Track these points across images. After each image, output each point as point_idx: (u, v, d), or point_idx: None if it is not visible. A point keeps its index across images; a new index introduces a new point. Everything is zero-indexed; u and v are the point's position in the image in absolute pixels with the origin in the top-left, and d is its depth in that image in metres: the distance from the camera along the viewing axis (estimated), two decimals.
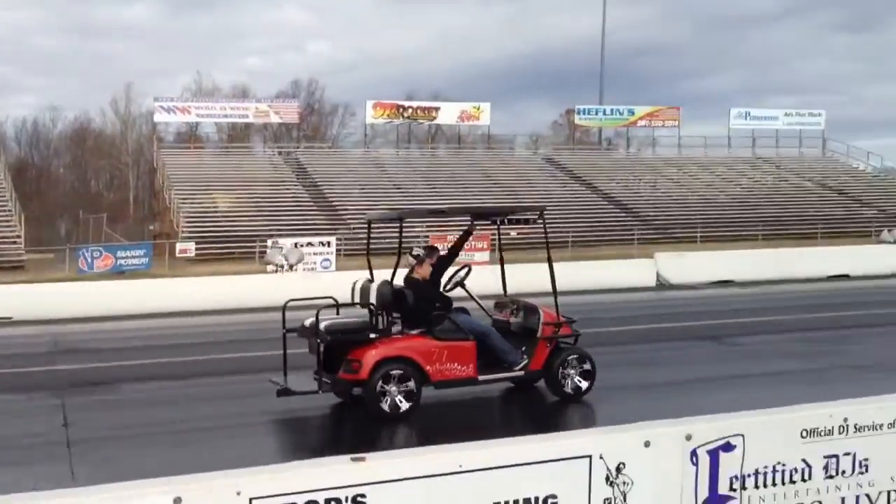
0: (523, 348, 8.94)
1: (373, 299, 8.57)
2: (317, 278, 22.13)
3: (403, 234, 10.08)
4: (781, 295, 20.62)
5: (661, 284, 23.76)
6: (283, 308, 8.73)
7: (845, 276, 24.25)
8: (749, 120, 56.87)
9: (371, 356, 8.22)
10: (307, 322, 8.62)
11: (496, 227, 10.15)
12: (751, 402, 5.01)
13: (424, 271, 8.95)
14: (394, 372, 8.20)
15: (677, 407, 7.39)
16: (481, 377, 8.69)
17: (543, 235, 9.56)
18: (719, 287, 22.95)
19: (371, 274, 9.42)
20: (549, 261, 9.27)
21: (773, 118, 57.49)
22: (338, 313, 8.99)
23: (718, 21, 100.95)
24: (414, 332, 8.61)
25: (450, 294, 9.10)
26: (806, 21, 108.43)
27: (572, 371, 8.97)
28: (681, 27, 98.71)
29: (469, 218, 10.01)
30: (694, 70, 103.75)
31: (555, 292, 9.23)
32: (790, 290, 21.67)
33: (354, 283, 9.20)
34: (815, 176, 53.78)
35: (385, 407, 8.17)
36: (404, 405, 8.21)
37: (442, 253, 9.51)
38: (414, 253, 9.09)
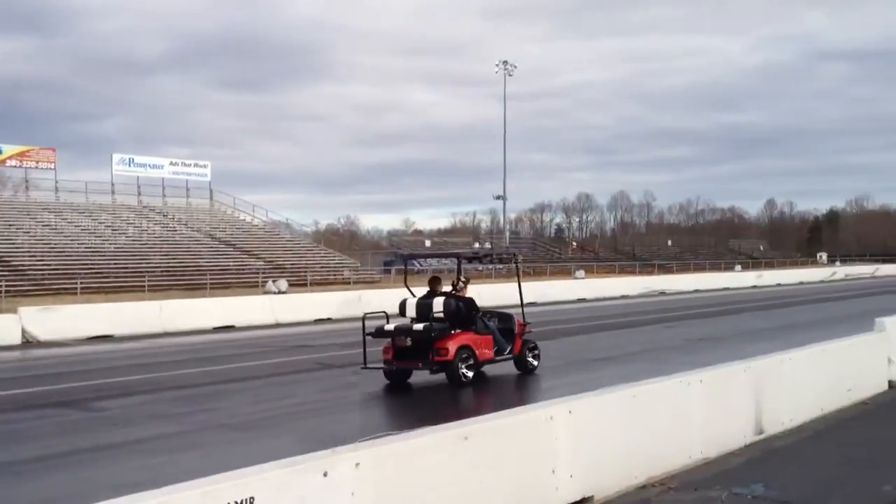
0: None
1: (437, 310, 13.08)
2: None
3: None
4: (161, 349, 19.80)
5: (28, 342, 21.24)
6: (363, 317, 13.45)
7: (231, 328, 24.52)
8: (133, 167, 56.18)
9: (454, 344, 12.86)
10: (385, 327, 13.15)
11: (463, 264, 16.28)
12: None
13: (465, 292, 13.93)
14: (465, 354, 12.92)
15: None
16: (496, 358, 13.66)
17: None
18: (96, 343, 21.29)
19: (411, 292, 13.92)
20: (520, 291, 15.47)
21: (158, 166, 57.61)
22: (387, 321, 13.40)
23: (102, 64, 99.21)
24: (457, 330, 13.21)
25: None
26: (192, 75, 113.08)
27: (530, 354, 14.32)
28: (62, 65, 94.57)
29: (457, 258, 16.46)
30: (80, 112, 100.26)
31: (522, 304, 15.11)
32: (172, 343, 21.05)
33: (406, 300, 13.60)
34: (203, 226, 55.04)
35: (463, 378, 12.84)
36: (469, 375, 12.97)
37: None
38: (462, 281, 14.02)
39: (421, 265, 76.48)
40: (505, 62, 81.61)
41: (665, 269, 73.68)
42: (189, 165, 59.51)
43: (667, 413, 7.72)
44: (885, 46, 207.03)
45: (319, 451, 4.93)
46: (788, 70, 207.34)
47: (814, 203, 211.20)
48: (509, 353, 13.89)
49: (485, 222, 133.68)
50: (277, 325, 25.58)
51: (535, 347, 14.43)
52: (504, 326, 14.12)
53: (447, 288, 13.97)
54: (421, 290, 13.88)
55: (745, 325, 23.35)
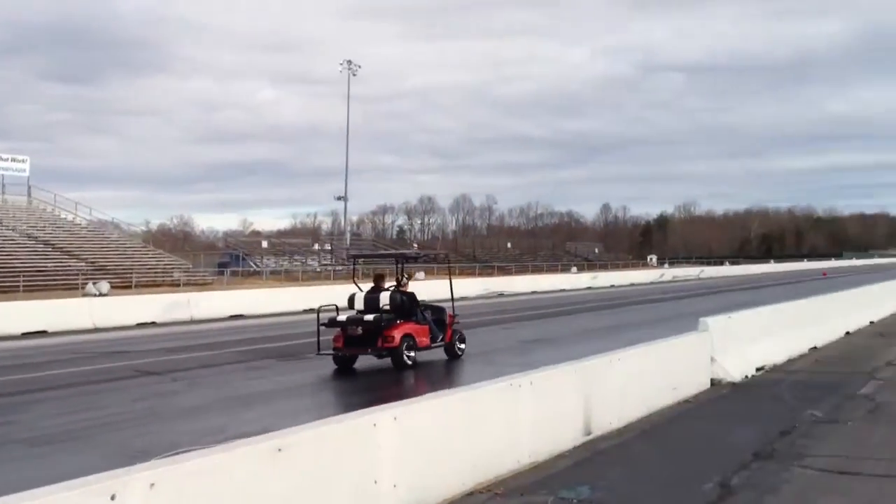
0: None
1: (384, 303, 15.14)
2: None
3: None
4: None
5: None
6: (318, 309, 15.66)
7: (43, 333, 22.96)
8: None
9: (399, 333, 14.88)
10: (338, 318, 15.27)
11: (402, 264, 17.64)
12: None
13: (407, 287, 16.15)
14: (408, 342, 14.97)
15: None
16: (432, 345, 15.57)
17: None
18: None
19: (358, 287, 16.04)
20: (451, 287, 17.48)
21: None
22: (337, 313, 15.50)
23: None
24: (401, 321, 15.14)
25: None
26: (14, 64, 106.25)
27: (458, 342, 16.24)
28: None
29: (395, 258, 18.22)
30: None
31: (452, 299, 16.90)
32: None
33: (355, 294, 15.70)
34: (20, 225, 51.73)
35: (406, 362, 14.90)
36: (411, 360, 15.00)
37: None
38: (405, 278, 16.58)
39: (258, 266, 74.98)
40: (349, 62, 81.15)
41: (504, 271, 75.06)
42: (6, 160, 55.73)
43: (496, 417, 7.59)
44: (715, 61, 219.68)
45: (119, 468, 4.45)
46: (626, 80, 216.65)
47: (646, 208, 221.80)
48: (441, 340, 15.98)
49: (326, 224, 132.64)
50: (96, 330, 24.14)
51: (463, 338, 16.56)
52: (437, 318, 16.15)
53: (391, 283, 16.22)
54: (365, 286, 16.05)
55: (579, 326, 23.91)
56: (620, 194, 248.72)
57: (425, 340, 15.53)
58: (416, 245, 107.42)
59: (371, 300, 15.40)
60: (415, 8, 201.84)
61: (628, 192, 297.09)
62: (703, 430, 9.48)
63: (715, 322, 12.67)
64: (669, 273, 70.33)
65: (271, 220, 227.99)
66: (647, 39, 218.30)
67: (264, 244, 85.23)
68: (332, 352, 15.26)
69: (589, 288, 51.22)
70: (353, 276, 17.93)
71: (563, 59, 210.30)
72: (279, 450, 5.36)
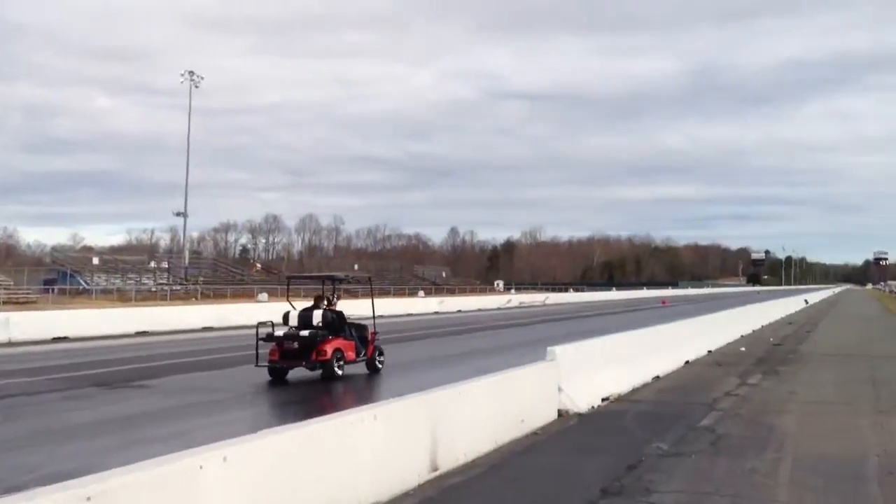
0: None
1: (317, 321, 16.82)
2: None
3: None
4: None
5: None
6: (257, 325, 16.86)
7: None
8: None
9: (331, 347, 16.53)
10: (275, 333, 16.67)
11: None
12: None
13: (336, 306, 17.82)
14: (338, 356, 16.66)
15: None
16: (357, 359, 17.29)
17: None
18: None
19: (292, 306, 17.61)
20: (373, 307, 19.43)
21: None
22: (273, 330, 16.84)
23: None
24: (332, 336, 16.79)
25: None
26: None
27: (378, 357, 17.96)
28: None
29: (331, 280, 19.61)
30: None
31: (374, 317, 18.46)
32: None
33: (289, 312, 17.28)
34: None
35: (337, 373, 16.58)
36: (341, 372, 16.71)
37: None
38: (335, 298, 18.34)
39: (88, 284, 71.26)
40: (191, 72, 78.89)
41: (350, 294, 74.35)
42: None
43: (337, 454, 7.14)
44: (557, 91, 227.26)
45: None
46: (471, 105, 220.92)
47: (493, 233, 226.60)
48: (364, 355, 17.58)
49: (164, 240, 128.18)
50: None
51: (382, 353, 18.24)
52: (360, 335, 17.70)
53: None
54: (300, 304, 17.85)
55: (427, 352, 23.71)
56: (468, 218, 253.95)
57: (352, 355, 17.17)
58: (259, 265, 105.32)
59: (304, 317, 16.99)
60: (263, 23, 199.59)
61: (476, 217, 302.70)
62: (552, 465, 9.34)
63: (563, 351, 12.65)
64: (516, 299, 71.53)
65: (104, 235, 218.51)
66: (492, 66, 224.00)
67: (95, 261, 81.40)
68: (268, 364, 16.59)
69: (436, 313, 51.31)
70: (287, 296, 19.16)
71: (409, 82, 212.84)
72: (88, 499, 4.76)
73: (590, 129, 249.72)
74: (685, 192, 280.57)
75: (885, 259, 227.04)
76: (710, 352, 22.28)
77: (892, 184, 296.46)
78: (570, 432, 11.39)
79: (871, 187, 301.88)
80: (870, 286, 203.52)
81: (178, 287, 71.96)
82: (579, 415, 12.40)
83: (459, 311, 54.31)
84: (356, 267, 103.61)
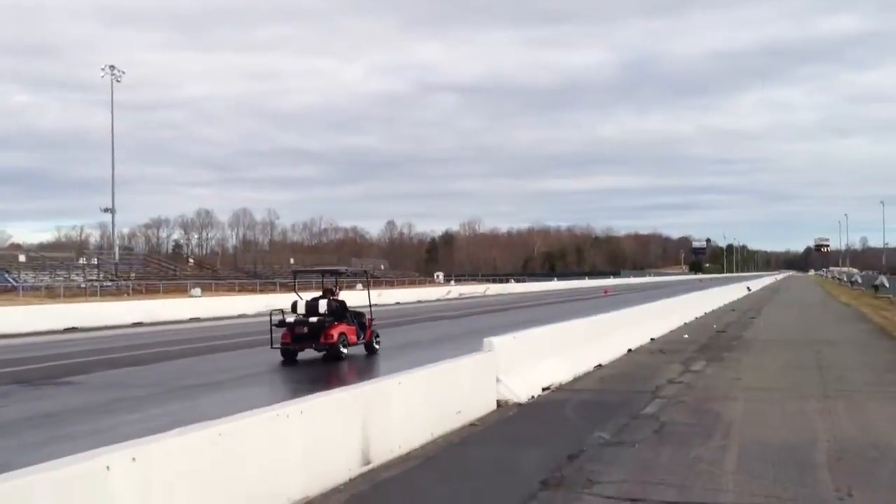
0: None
1: (322, 309, 19.18)
2: None
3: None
4: None
5: None
6: (271, 313, 19.61)
7: None
8: None
9: (336, 331, 18.81)
10: (287, 319, 19.02)
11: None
12: None
13: (339, 296, 20.14)
14: (342, 339, 18.90)
15: None
16: (357, 342, 19.63)
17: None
18: None
19: (299, 296, 20.10)
20: (369, 296, 22.62)
21: None
22: (283, 316, 19.26)
23: None
24: (336, 322, 19.11)
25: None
26: None
27: (375, 339, 20.38)
28: None
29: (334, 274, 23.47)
30: None
31: (370, 306, 21.31)
32: None
33: (297, 301, 19.68)
34: None
35: (342, 354, 18.82)
36: (345, 353, 18.96)
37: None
38: (337, 289, 20.68)
39: (15, 281, 69.35)
40: (112, 67, 77.29)
41: (287, 288, 73.57)
42: None
43: (262, 452, 6.77)
44: (488, 83, 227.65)
45: None
46: (404, 98, 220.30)
47: (431, 225, 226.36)
48: (363, 339, 19.98)
49: (94, 237, 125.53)
50: None
51: (378, 336, 20.65)
52: (359, 321, 20.05)
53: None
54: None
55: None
56: (405, 211, 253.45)
57: (353, 338, 19.59)
58: (191, 260, 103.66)
59: (311, 306, 19.44)
60: (187, 17, 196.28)
61: (413, 209, 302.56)
62: (490, 456, 9.06)
63: (500, 341, 12.39)
64: (456, 290, 71.40)
65: (32, 233, 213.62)
66: (423, 59, 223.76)
67: (22, 258, 79.45)
68: (280, 346, 18.97)
69: (375, 305, 50.83)
70: (294, 288, 22.55)
71: (339, 76, 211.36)
72: None
73: (524, 121, 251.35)
74: (624, 182, 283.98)
75: (827, 246, 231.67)
76: (652, 339, 22.28)
77: (824, 171, 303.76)
78: (509, 423, 11.14)
79: (804, 175, 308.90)
80: (812, 272, 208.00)
81: (109, 283, 70.34)
82: (519, 405, 12.16)
83: (398, 303, 53.96)
84: (292, 261, 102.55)
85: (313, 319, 18.94)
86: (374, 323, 20.55)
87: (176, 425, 6.37)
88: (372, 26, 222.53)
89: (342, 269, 27.26)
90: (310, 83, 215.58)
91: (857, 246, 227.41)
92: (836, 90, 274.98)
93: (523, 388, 12.65)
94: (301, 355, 18.85)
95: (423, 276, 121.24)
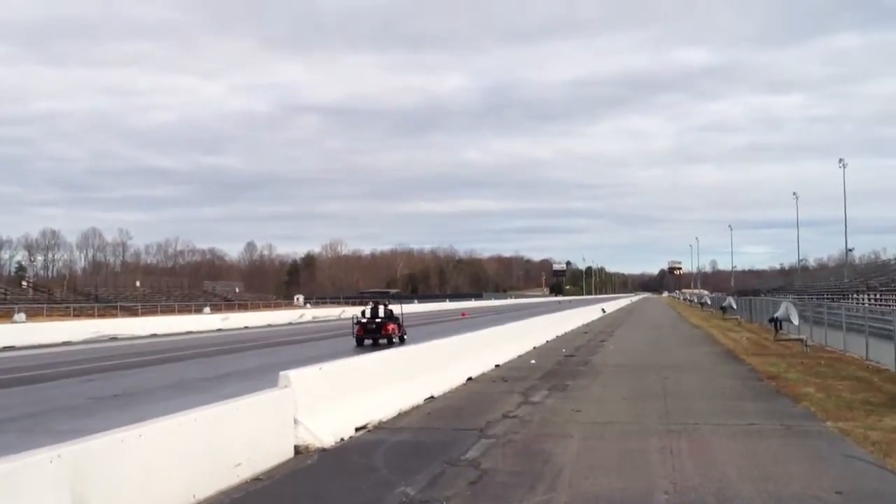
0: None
1: (381, 314, 30.87)
2: None
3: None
4: None
5: None
6: (353, 317, 32.14)
7: None
8: None
9: (392, 328, 30.81)
10: (361, 320, 31.05)
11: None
12: None
13: (391, 306, 32.36)
14: (395, 333, 30.80)
15: None
16: (404, 337, 30.72)
17: None
18: None
19: (365, 307, 32.41)
20: (401, 308, 33.25)
21: None
22: (359, 317, 31.52)
23: None
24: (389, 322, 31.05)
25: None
26: None
27: (404, 336, 31.00)
28: None
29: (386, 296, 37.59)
30: None
31: (401, 313, 32.12)
32: None
33: (364, 309, 31.89)
34: None
35: (395, 342, 29.50)
36: (396, 341, 29.84)
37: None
38: (390, 301, 33.53)
39: None
40: None
41: (130, 312, 69.64)
42: None
43: None
44: (353, 104, 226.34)
45: None
46: (266, 118, 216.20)
47: (293, 247, 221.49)
48: (402, 334, 30.48)
49: None
50: None
51: (405, 333, 30.74)
52: (397, 322, 31.10)
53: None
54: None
55: (179, 375, 20.99)
56: (267, 233, 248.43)
57: (398, 333, 30.26)
58: (25, 283, 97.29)
59: (374, 311, 30.56)
60: (32, 31, 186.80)
61: (275, 231, 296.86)
62: None
63: (299, 376, 10.54)
64: (310, 313, 68.96)
65: None
66: (285, 79, 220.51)
67: None
68: (355, 336, 30.21)
69: (219, 329, 48.10)
70: (362, 303, 35.38)
71: (199, 94, 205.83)
72: None
73: (387, 143, 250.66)
74: (487, 205, 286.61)
75: (680, 268, 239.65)
76: (497, 366, 20.92)
77: (677, 196, 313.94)
78: (303, 475, 9.30)
79: (660, 200, 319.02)
80: (665, 294, 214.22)
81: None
82: (322, 450, 10.35)
83: (246, 327, 51.26)
84: (137, 284, 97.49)
85: (378, 319, 30.31)
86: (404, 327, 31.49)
87: None
88: (233, 45, 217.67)
89: (391, 291, 46.85)
90: (168, 100, 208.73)
91: (708, 268, 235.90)
92: (687, 119, 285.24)
93: (330, 429, 10.86)
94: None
95: (283, 299, 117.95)
